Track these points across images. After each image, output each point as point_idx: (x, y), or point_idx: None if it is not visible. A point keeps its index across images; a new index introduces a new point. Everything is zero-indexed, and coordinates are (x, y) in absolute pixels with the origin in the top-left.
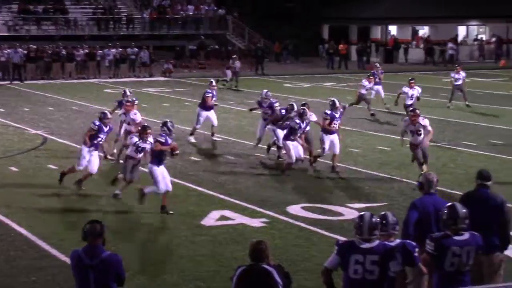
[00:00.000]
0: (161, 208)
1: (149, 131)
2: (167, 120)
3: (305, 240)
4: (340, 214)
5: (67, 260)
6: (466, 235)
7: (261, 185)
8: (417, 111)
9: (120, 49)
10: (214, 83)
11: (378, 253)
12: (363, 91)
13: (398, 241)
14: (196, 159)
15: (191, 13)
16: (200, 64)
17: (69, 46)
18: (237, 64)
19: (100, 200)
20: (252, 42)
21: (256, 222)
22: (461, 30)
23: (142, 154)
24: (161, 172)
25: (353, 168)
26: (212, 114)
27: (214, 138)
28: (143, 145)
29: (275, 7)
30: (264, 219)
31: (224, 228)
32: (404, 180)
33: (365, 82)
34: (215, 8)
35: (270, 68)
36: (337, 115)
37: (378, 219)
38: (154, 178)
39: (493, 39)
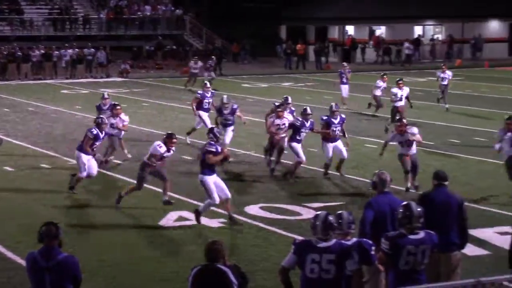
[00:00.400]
0: (229, 219)
1: (175, 140)
2: (213, 126)
3: (264, 240)
4: (298, 213)
5: (23, 262)
6: (421, 234)
7: None
8: (404, 121)
9: (77, 50)
10: (208, 85)
11: (335, 252)
12: (378, 92)
13: (354, 239)
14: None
15: (148, 14)
16: (157, 64)
17: (24, 46)
18: (199, 64)
19: (56, 202)
20: (210, 42)
21: (214, 223)
22: (418, 30)
23: (160, 161)
24: (214, 181)
25: (311, 167)
26: (206, 117)
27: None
28: (167, 154)
29: (233, 7)
30: (222, 220)
31: (182, 228)
32: (361, 179)
33: (379, 83)
34: (173, 8)
35: (228, 68)
36: (335, 121)
37: (334, 218)
38: (207, 190)
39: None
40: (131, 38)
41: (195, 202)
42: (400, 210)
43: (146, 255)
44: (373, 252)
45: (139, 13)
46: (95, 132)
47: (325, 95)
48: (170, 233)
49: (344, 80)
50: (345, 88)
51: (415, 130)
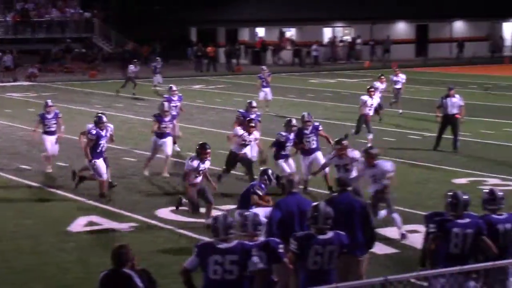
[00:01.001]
0: None
1: (208, 150)
2: (268, 168)
3: (174, 243)
4: None
5: None
6: (329, 234)
7: (129, 189)
8: (344, 143)
9: None
10: (174, 88)
11: (237, 253)
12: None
13: (261, 239)
14: (63, 164)
15: (55, 16)
16: (66, 68)
17: None
18: (137, 68)
19: None
20: (120, 45)
21: (124, 227)
22: (327, 32)
23: (201, 177)
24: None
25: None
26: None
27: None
28: (202, 166)
29: (142, 10)
30: (133, 224)
31: (92, 233)
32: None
33: (377, 84)
34: (81, 11)
35: (138, 71)
36: (307, 132)
37: (233, 219)
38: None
39: (358, 41)
40: (39, 41)
41: (106, 207)
42: (309, 211)
43: (56, 261)
44: (281, 250)
45: (46, 16)
46: (94, 132)
47: (235, 97)
48: (80, 238)
49: (265, 83)
50: (266, 92)
51: (356, 153)
